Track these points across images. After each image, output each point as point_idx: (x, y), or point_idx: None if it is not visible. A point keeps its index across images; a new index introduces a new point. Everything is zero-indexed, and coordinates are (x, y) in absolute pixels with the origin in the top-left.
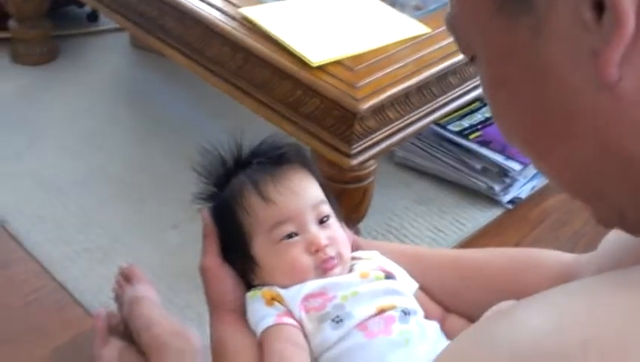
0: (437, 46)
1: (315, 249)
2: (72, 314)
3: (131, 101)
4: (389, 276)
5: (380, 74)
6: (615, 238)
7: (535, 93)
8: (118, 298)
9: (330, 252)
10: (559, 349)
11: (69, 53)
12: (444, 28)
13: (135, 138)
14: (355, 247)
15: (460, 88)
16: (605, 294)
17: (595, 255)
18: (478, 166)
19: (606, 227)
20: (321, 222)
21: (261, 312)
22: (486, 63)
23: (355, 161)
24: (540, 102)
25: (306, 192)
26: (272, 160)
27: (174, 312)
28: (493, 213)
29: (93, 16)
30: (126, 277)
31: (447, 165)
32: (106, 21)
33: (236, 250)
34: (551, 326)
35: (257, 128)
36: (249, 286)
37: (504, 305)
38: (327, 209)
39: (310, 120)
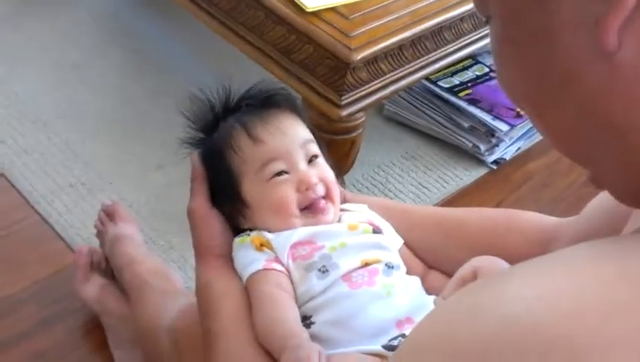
0: None
1: (305, 187)
2: (53, 248)
3: (119, 35)
4: (376, 230)
5: (375, 24)
6: (597, 205)
7: (539, 54)
8: (101, 235)
9: (320, 191)
10: (544, 320)
11: None
12: None
13: (121, 73)
14: (343, 200)
15: (454, 44)
16: (584, 265)
17: (575, 220)
18: (466, 124)
19: (597, 187)
20: (310, 161)
21: (250, 256)
22: (498, 23)
23: (344, 112)
24: (542, 64)
25: (294, 132)
26: (260, 103)
27: (157, 253)
28: (477, 173)
29: None
30: (109, 215)
31: (436, 122)
32: None
33: (225, 193)
34: (535, 296)
35: (247, 72)
36: (236, 231)
37: (480, 260)
38: (315, 148)
39: (302, 67)
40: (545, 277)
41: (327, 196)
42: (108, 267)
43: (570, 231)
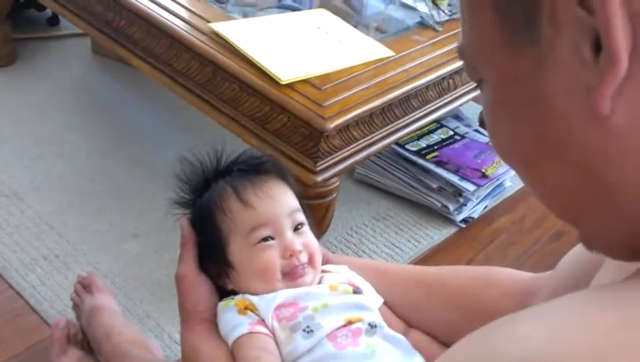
0: (400, 69)
1: (289, 254)
2: (28, 323)
3: (91, 108)
4: (356, 290)
5: (347, 94)
6: (569, 262)
7: (532, 118)
8: (77, 307)
9: (303, 258)
10: (564, 358)
11: (28, 57)
12: (407, 52)
13: (95, 146)
14: (324, 261)
15: (420, 110)
16: (587, 311)
17: (550, 276)
18: (434, 185)
19: (589, 250)
20: (296, 229)
21: (234, 321)
22: (491, 88)
23: (319, 178)
24: (536, 128)
25: (283, 199)
26: (251, 168)
27: (133, 322)
28: (447, 232)
29: (53, 21)
30: (85, 286)
31: (405, 183)
32: (67, 26)
33: (212, 254)
34: (545, 338)
35: (223, 141)
36: (222, 291)
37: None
38: (302, 217)
39: (277, 136)
40: (553, 321)
41: (310, 262)
42: (85, 339)
43: (546, 285)
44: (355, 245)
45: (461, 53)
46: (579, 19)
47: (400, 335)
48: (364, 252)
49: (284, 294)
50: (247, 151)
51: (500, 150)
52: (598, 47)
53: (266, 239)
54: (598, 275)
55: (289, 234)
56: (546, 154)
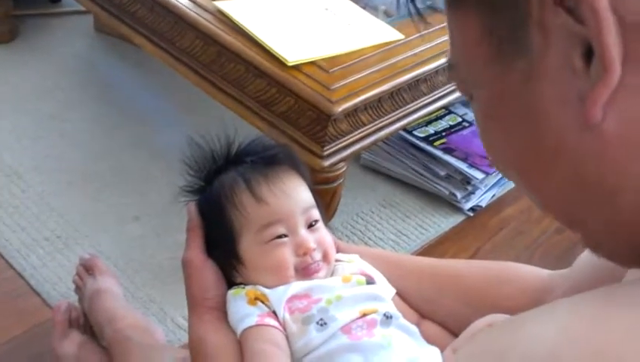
0: (410, 53)
1: (302, 251)
2: (29, 304)
3: (93, 86)
4: (369, 281)
5: (355, 77)
6: (588, 259)
7: (525, 130)
8: (79, 289)
9: (317, 256)
10: (574, 359)
11: (29, 34)
12: (417, 35)
13: (96, 125)
14: (336, 250)
15: (430, 96)
16: (605, 309)
17: (568, 273)
18: (442, 172)
19: (594, 253)
20: (310, 225)
21: (243, 311)
22: (482, 103)
23: (326, 163)
24: (529, 139)
25: (298, 195)
26: (264, 159)
27: (136, 306)
28: (455, 220)
29: None
30: (87, 268)
31: (412, 170)
32: (69, 3)
33: (221, 247)
34: (557, 339)
35: (225, 123)
36: (230, 283)
37: (496, 317)
38: (316, 213)
39: (283, 119)
40: (565, 320)
41: (324, 259)
42: (87, 323)
43: (563, 283)
44: (361, 232)
45: (450, 68)
46: (568, 28)
47: (414, 327)
48: (370, 239)
49: (296, 286)
50: (260, 139)
51: (494, 161)
52: (588, 55)
53: (279, 236)
54: (628, 276)
55: (302, 231)
56: (540, 164)
